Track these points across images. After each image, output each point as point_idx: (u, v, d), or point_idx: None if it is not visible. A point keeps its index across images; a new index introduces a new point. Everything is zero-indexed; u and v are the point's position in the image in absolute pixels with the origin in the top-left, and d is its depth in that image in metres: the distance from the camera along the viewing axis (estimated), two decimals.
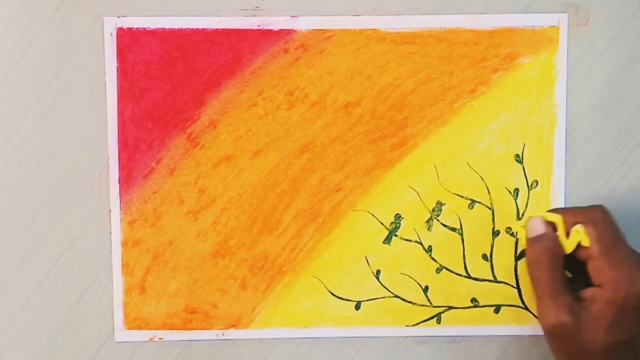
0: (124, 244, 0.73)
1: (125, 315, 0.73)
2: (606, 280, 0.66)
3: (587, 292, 0.67)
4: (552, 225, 0.69)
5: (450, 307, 0.74)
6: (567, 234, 0.68)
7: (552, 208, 0.72)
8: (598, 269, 0.66)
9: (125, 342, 0.73)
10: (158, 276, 0.73)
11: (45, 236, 0.73)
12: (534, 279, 0.68)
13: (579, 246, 0.68)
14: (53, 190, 0.73)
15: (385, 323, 0.74)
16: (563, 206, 0.73)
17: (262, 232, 0.73)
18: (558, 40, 0.72)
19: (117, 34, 0.72)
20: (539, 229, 0.69)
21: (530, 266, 0.68)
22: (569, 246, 0.68)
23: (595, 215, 0.68)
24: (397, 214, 0.73)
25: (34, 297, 0.73)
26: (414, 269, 0.73)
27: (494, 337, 0.74)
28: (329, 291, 0.73)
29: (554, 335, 0.67)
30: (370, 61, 0.72)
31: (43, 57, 0.72)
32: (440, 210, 0.73)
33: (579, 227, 0.67)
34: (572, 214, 0.68)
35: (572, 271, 0.69)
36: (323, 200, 0.73)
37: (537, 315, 0.73)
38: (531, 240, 0.69)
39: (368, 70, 0.72)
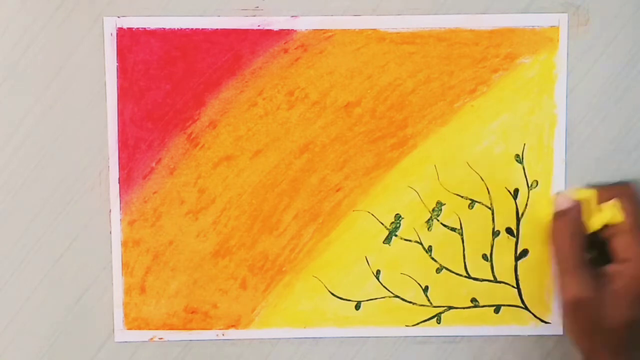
0: (124, 244, 0.73)
1: (125, 315, 0.73)
2: (633, 254, 0.66)
3: (612, 267, 0.66)
4: (579, 203, 0.69)
5: (450, 307, 0.74)
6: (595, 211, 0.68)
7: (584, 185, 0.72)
8: (626, 243, 0.66)
9: (125, 342, 0.73)
10: (158, 276, 0.73)
11: (45, 236, 0.73)
12: (557, 253, 0.68)
13: (603, 226, 0.68)
14: (53, 190, 0.73)
15: (385, 323, 0.74)
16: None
17: (262, 232, 0.73)
18: (558, 40, 0.72)
19: (117, 34, 0.72)
20: (565, 203, 0.69)
21: (553, 240, 0.68)
22: (596, 222, 0.68)
23: (628, 191, 0.68)
24: (397, 214, 0.73)
25: (34, 297, 0.73)
26: (414, 269, 0.73)
27: (494, 337, 0.74)
28: (329, 291, 0.73)
29: (574, 310, 0.67)
30: (370, 61, 0.72)
31: (43, 57, 0.72)
32: (440, 210, 0.73)
33: (614, 202, 0.67)
34: (606, 190, 0.68)
35: (592, 252, 0.69)
36: (323, 200, 0.73)
37: (536, 315, 0.73)
38: (556, 215, 0.69)
39: (368, 70, 0.72)
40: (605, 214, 0.68)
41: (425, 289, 0.73)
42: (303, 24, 0.72)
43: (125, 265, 0.73)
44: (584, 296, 0.66)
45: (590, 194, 0.69)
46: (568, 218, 0.68)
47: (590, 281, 0.66)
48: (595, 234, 0.68)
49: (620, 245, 0.67)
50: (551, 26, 0.72)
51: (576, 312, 0.67)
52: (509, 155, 0.73)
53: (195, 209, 0.73)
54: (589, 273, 0.66)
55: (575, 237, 0.68)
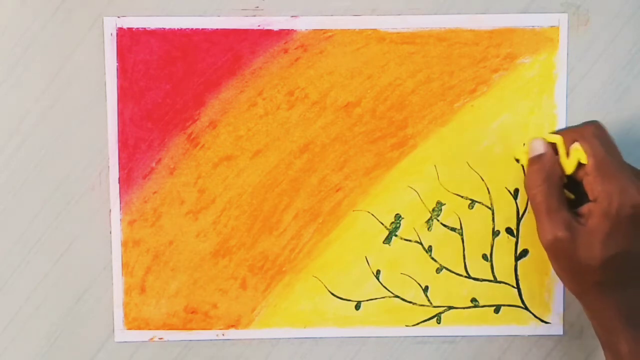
0: (124, 244, 0.73)
1: (125, 315, 0.73)
2: (599, 193, 0.66)
3: (584, 208, 0.67)
4: (554, 148, 0.69)
5: (450, 307, 0.74)
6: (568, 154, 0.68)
7: (553, 130, 0.72)
8: (592, 183, 0.67)
9: (125, 342, 0.73)
10: (158, 276, 0.73)
11: (45, 236, 0.73)
12: (531, 198, 0.68)
13: (579, 167, 0.68)
14: (53, 190, 0.73)
15: (385, 323, 0.74)
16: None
17: (262, 232, 0.73)
18: (558, 40, 0.72)
19: (117, 34, 0.72)
20: (539, 149, 0.69)
21: (528, 185, 0.68)
22: (569, 166, 0.68)
23: (588, 132, 0.68)
24: (397, 214, 0.73)
25: (34, 297, 0.73)
26: (414, 269, 0.73)
27: (494, 337, 0.74)
28: (329, 291, 0.73)
29: (553, 251, 0.67)
30: (370, 61, 0.72)
31: (43, 57, 0.72)
32: (440, 210, 0.73)
33: (576, 145, 0.67)
34: (570, 133, 0.69)
35: (575, 193, 0.69)
36: (323, 200, 0.73)
37: (536, 315, 0.73)
38: (531, 161, 0.69)
39: (368, 70, 0.72)
40: (573, 157, 0.68)
41: (425, 289, 0.73)
42: (303, 24, 0.72)
43: (125, 265, 0.73)
44: (559, 237, 0.66)
45: (558, 139, 0.69)
46: (542, 162, 0.68)
47: (566, 222, 0.66)
48: (574, 175, 0.69)
49: (588, 186, 0.67)
50: (551, 26, 0.72)
51: (555, 253, 0.67)
52: (509, 155, 0.73)
53: (195, 209, 0.73)
54: (564, 214, 0.67)
55: (549, 180, 0.68)
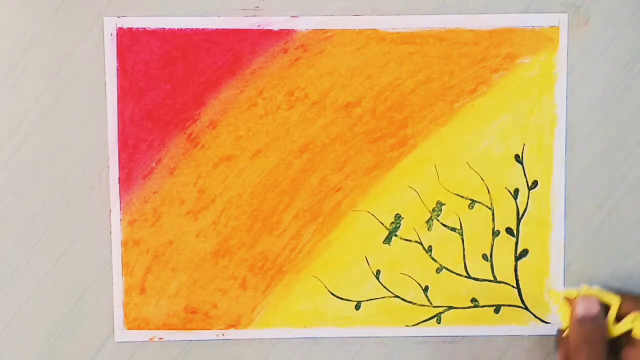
0: (124, 244, 0.73)
1: (125, 315, 0.73)
2: None
3: None
4: (602, 311, 0.68)
5: (450, 307, 0.74)
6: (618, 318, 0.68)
7: (603, 290, 0.71)
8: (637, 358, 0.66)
9: (125, 342, 0.73)
10: (158, 276, 0.73)
11: (45, 236, 0.73)
12: (580, 358, 0.67)
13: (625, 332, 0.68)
14: (53, 190, 0.73)
15: (385, 323, 0.74)
16: (563, 210, 0.73)
17: (262, 232, 0.73)
18: (558, 40, 0.72)
19: (117, 34, 0.72)
20: (592, 309, 0.67)
21: (578, 346, 0.67)
22: (616, 330, 0.67)
23: None
24: (397, 214, 0.73)
25: (34, 297, 0.73)
26: (414, 269, 0.73)
27: (494, 337, 0.74)
28: (329, 291, 0.73)
29: None
30: (370, 61, 0.72)
31: (43, 57, 0.72)
32: (440, 210, 0.73)
33: (636, 315, 0.67)
34: (631, 300, 0.68)
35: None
36: (323, 200, 0.73)
37: (536, 315, 0.73)
38: (583, 319, 0.67)
39: (368, 70, 0.72)
40: (626, 324, 0.67)
41: (425, 289, 0.73)
42: (303, 24, 0.72)
43: (125, 265, 0.73)
44: None
45: (614, 300, 0.68)
46: (593, 325, 0.67)
47: None
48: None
49: (632, 357, 0.66)
50: (551, 26, 0.72)
51: None
52: (509, 155, 0.73)
53: (195, 209, 0.73)
54: None
55: (601, 347, 0.66)
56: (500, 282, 0.73)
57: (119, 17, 0.72)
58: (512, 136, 0.73)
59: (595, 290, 0.70)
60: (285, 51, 0.72)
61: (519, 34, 0.72)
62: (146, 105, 0.72)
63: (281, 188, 0.73)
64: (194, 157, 0.73)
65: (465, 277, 0.73)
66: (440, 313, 0.74)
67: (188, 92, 0.72)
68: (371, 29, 0.72)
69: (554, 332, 0.74)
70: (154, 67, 0.72)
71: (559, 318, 0.70)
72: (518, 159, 0.73)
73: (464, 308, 0.74)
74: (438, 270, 0.73)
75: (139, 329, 0.73)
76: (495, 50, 0.72)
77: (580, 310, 0.68)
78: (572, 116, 0.73)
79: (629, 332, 0.67)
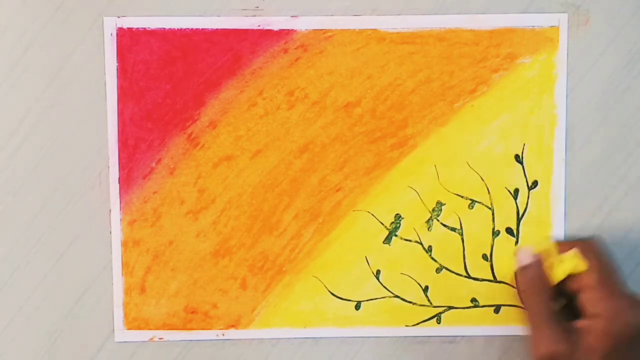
0: (124, 244, 0.73)
1: (125, 315, 0.73)
2: (602, 310, 0.65)
3: (582, 323, 0.66)
4: (540, 257, 0.69)
5: (450, 307, 0.74)
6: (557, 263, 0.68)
7: (547, 238, 0.72)
8: (594, 299, 0.66)
9: (125, 342, 0.73)
10: (158, 276, 0.73)
11: (45, 236, 0.73)
12: (526, 308, 0.68)
13: (568, 277, 0.68)
14: (53, 190, 0.73)
15: (385, 323, 0.74)
16: (563, 210, 0.73)
17: (262, 232, 0.73)
18: (558, 40, 0.72)
19: (117, 34, 0.72)
20: (526, 259, 0.69)
21: (521, 296, 0.69)
22: (559, 274, 0.68)
23: (590, 245, 0.68)
24: (397, 214, 0.73)
25: (34, 297, 0.73)
26: (414, 269, 0.73)
27: (494, 337, 0.74)
28: (329, 291, 0.73)
29: None
30: (370, 61, 0.72)
31: (43, 57, 0.72)
32: (440, 210, 0.73)
33: (574, 252, 0.67)
34: (566, 244, 0.69)
35: (560, 301, 0.69)
36: (323, 200, 0.73)
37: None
38: (519, 271, 0.69)
39: (368, 70, 0.72)
40: (567, 264, 0.68)
41: (425, 289, 0.73)
42: (303, 24, 0.72)
43: (125, 265, 0.73)
44: (557, 351, 0.66)
45: (550, 247, 0.69)
46: (531, 273, 0.69)
47: (563, 336, 0.66)
48: (562, 284, 0.68)
49: (588, 300, 0.66)
50: (551, 26, 0.72)
51: None
52: (509, 155, 0.73)
53: (195, 209, 0.73)
54: (559, 327, 0.66)
55: (540, 292, 0.68)
56: (500, 282, 0.73)
57: (119, 17, 0.72)
58: (512, 136, 0.73)
59: (529, 245, 0.71)
60: (285, 51, 0.72)
61: (519, 34, 0.72)
62: (146, 105, 0.72)
63: (281, 188, 0.73)
64: (194, 157, 0.73)
65: (465, 277, 0.73)
66: (440, 313, 0.74)
67: (188, 92, 0.72)
68: (371, 29, 0.72)
69: None
70: (154, 67, 0.72)
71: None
72: (518, 159, 0.73)
73: (464, 308, 0.74)
74: (438, 270, 0.73)
75: (139, 329, 0.73)
76: (495, 50, 0.72)
77: (517, 262, 0.69)
78: (572, 116, 0.73)
79: (577, 279, 0.68)
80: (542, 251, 0.70)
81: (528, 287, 0.68)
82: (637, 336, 0.65)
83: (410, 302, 0.74)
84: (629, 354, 0.65)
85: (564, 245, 0.69)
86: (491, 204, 0.73)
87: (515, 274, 0.70)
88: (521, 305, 0.70)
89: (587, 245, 0.68)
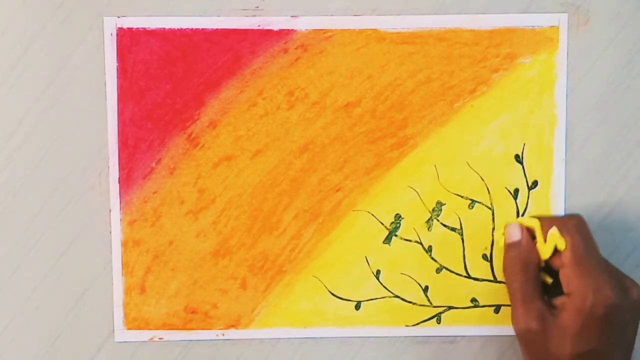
0: (124, 244, 0.73)
1: (125, 315, 0.73)
2: (575, 288, 0.66)
3: (558, 300, 0.67)
4: (532, 233, 0.69)
5: (450, 307, 0.74)
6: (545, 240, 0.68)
7: (533, 215, 0.72)
8: (568, 277, 0.67)
9: (125, 342, 0.73)
10: (158, 276, 0.73)
11: (45, 236, 0.73)
12: (508, 284, 0.69)
13: (555, 253, 0.68)
14: (53, 190, 0.73)
15: (385, 323, 0.74)
16: (563, 210, 0.73)
17: (262, 232, 0.73)
18: (558, 40, 0.72)
19: (117, 34, 0.72)
20: (515, 235, 0.69)
21: (505, 272, 0.69)
22: (546, 252, 0.68)
23: (570, 223, 0.68)
24: (397, 214, 0.73)
25: (34, 297, 0.73)
26: (414, 269, 0.73)
27: (494, 337, 0.74)
28: (329, 291, 0.73)
29: (524, 340, 0.67)
30: (370, 61, 0.72)
31: (43, 57, 0.72)
32: (440, 210, 0.73)
33: (554, 230, 0.67)
34: (549, 221, 0.69)
35: (554, 277, 0.69)
36: (323, 200, 0.73)
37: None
38: (507, 247, 0.69)
39: (368, 70, 0.72)
40: (549, 243, 0.68)
41: (425, 289, 0.73)
42: (303, 24, 0.72)
43: (125, 265, 0.73)
44: (531, 327, 0.66)
45: (535, 224, 0.69)
46: (518, 249, 0.69)
47: (539, 313, 0.66)
48: (551, 261, 0.69)
49: (564, 278, 0.67)
50: (551, 26, 0.72)
51: (526, 343, 0.67)
52: (509, 155, 0.73)
53: (195, 209, 0.73)
54: (539, 304, 0.67)
55: (525, 269, 0.68)
56: (500, 282, 0.73)
57: (119, 17, 0.72)
58: (512, 136, 0.73)
59: (516, 220, 0.71)
60: (285, 51, 0.72)
61: (519, 34, 0.72)
62: (146, 105, 0.72)
63: (281, 188, 0.73)
64: (194, 157, 0.73)
65: (465, 277, 0.73)
66: (440, 313, 0.74)
67: (188, 92, 0.72)
68: (371, 29, 0.72)
69: None
70: (154, 67, 0.72)
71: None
72: (518, 159, 0.73)
73: (464, 308, 0.74)
74: (438, 270, 0.73)
75: (139, 329, 0.73)
76: (495, 50, 0.72)
77: (505, 239, 0.69)
78: (572, 116, 0.73)
79: (558, 256, 0.68)
80: (530, 227, 0.69)
81: (512, 263, 0.68)
82: (610, 314, 0.65)
83: (410, 302, 0.74)
84: (600, 335, 0.66)
85: (546, 222, 0.69)
86: (491, 204, 0.73)
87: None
88: (506, 280, 0.69)
89: (565, 223, 0.68)
